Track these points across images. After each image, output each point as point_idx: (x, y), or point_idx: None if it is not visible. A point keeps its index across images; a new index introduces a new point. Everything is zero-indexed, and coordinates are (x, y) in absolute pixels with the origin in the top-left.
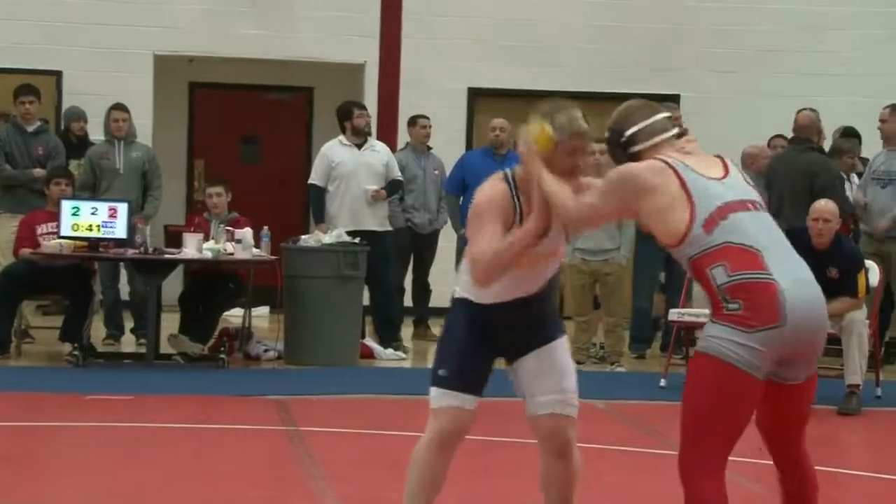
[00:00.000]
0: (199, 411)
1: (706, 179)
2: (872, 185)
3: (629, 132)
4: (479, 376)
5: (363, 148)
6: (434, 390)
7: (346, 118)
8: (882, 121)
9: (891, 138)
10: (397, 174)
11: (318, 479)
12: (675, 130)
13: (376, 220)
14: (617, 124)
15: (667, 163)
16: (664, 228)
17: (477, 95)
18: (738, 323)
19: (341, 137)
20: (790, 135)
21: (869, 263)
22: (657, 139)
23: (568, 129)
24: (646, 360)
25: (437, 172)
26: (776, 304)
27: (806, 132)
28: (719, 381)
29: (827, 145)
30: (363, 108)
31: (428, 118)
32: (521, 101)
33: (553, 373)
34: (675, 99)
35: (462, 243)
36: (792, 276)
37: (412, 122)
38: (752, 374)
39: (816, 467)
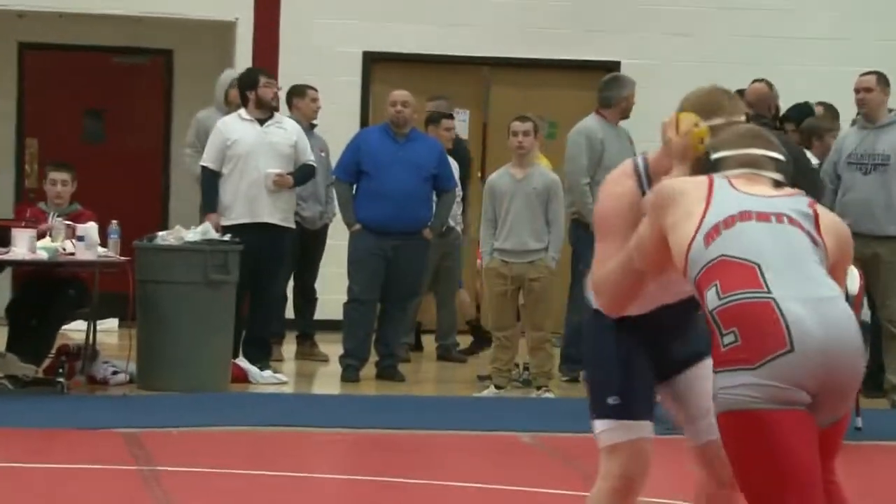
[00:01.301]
0: (31, 448)
1: (738, 192)
2: (850, 170)
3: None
4: (651, 397)
5: (267, 124)
6: (604, 424)
7: (250, 87)
8: (867, 89)
9: (874, 112)
10: (309, 158)
11: None
12: None
13: (278, 213)
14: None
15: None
16: (674, 251)
17: (374, 61)
18: (737, 362)
19: (241, 111)
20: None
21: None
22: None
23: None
24: (580, 384)
25: (323, 154)
26: (777, 327)
27: (754, 108)
28: (755, 437)
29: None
30: (271, 77)
31: (316, 90)
32: (426, 67)
33: (708, 392)
34: (614, 67)
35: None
36: (801, 293)
37: (299, 92)
38: (785, 409)
39: None
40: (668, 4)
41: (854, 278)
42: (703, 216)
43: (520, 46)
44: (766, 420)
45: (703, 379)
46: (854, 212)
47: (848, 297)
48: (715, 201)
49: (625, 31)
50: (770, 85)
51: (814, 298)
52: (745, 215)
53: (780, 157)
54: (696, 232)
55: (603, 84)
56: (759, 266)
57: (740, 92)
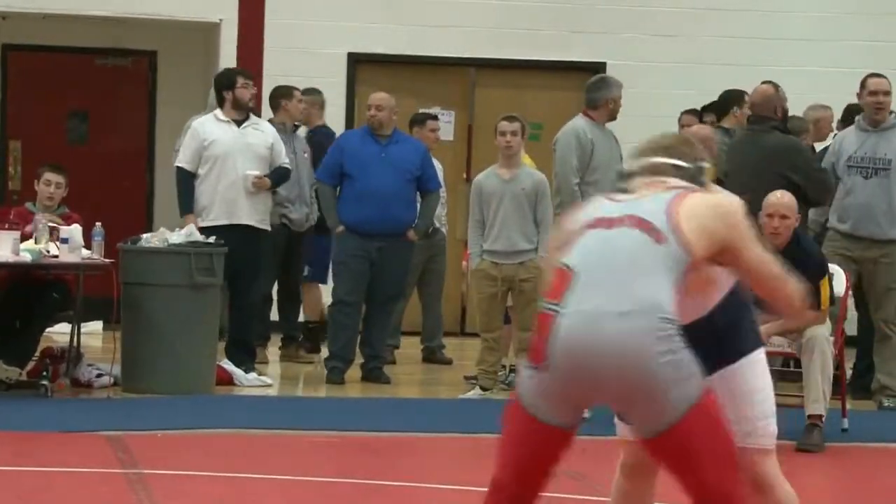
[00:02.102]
0: (15, 451)
1: (604, 202)
2: (850, 173)
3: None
4: None
5: (244, 125)
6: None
7: (228, 88)
8: (886, 92)
9: (886, 115)
10: (285, 160)
11: None
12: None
13: (256, 215)
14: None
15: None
16: None
17: (359, 62)
18: (528, 358)
19: (217, 111)
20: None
21: (833, 268)
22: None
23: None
24: None
25: (306, 155)
26: (545, 342)
27: (762, 110)
28: (510, 413)
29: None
30: (249, 77)
31: (300, 90)
32: (411, 68)
33: (733, 397)
34: (599, 68)
35: None
36: (585, 306)
37: (287, 94)
38: (536, 417)
39: None
40: (654, 5)
41: (840, 280)
42: (569, 230)
43: (505, 47)
44: (516, 411)
45: (731, 381)
46: (855, 215)
47: (833, 299)
48: (580, 216)
49: (610, 32)
50: (776, 87)
51: (589, 312)
52: (592, 224)
53: (684, 164)
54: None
55: (590, 85)
56: (575, 275)
57: (742, 93)
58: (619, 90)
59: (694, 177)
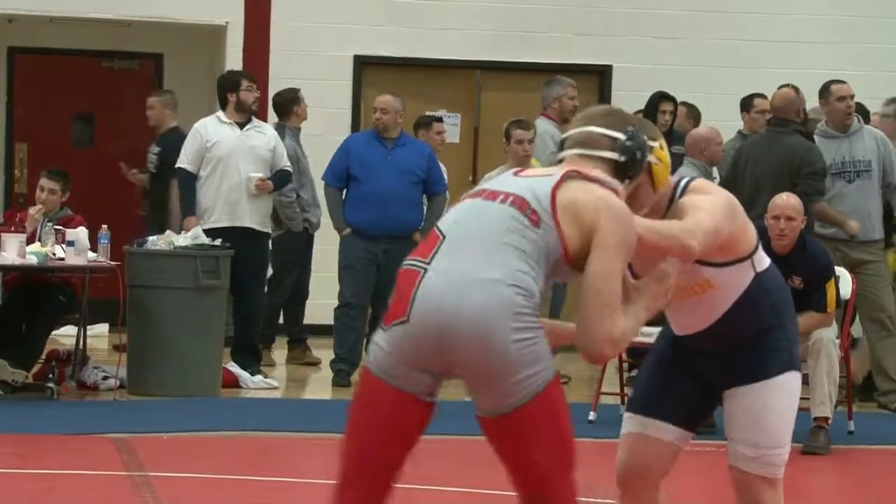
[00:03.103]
0: (20, 454)
1: (503, 177)
2: (833, 180)
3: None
4: (673, 398)
5: (246, 128)
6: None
7: (231, 90)
8: (852, 96)
9: (852, 120)
10: (286, 163)
11: None
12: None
13: (257, 218)
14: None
15: None
16: None
17: (365, 65)
18: (383, 321)
19: (220, 113)
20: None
21: (840, 271)
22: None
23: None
24: (569, 386)
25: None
26: (409, 295)
27: (784, 113)
28: (357, 388)
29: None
30: (252, 80)
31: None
32: (417, 71)
33: (744, 418)
34: (605, 71)
35: None
36: (457, 270)
37: (296, 98)
38: (383, 380)
39: None
40: (658, 8)
41: (847, 282)
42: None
43: (510, 50)
44: (364, 381)
45: (744, 401)
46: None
47: (840, 302)
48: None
49: (615, 34)
50: (797, 90)
51: (466, 278)
52: (475, 193)
53: (622, 135)
54: None
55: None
56: (444, 238)
57: (760, 96)
58: (562, 88)
59: (626, 150)
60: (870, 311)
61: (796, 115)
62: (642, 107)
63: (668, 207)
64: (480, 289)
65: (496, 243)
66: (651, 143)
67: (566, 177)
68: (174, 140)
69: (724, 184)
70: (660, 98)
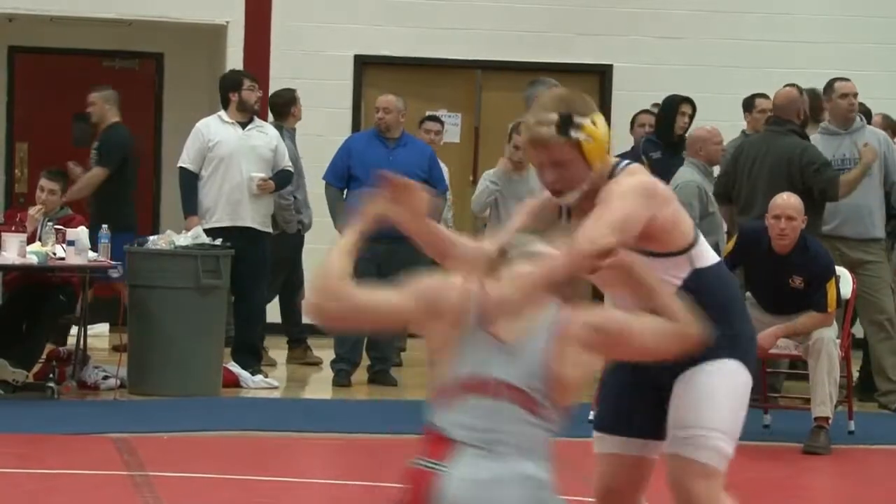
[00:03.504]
0: (20, 453)
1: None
2: None
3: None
4: (637, 411)
5: (248, 128)
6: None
7: (233, 89)
8: (856, 94)
9: (853, 115)
10: (288, 163)
11: None
12: None
13: (259, 217)
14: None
15: None
16: None
17: (365, 64)
18: None
19: (221, 113)
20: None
21: (840, 270)
22: None
23: None
24: None
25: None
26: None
27: (784, 113)
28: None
29: None
30: (254, 80)
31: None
32: (418, 71)
33: (677, 402)
34: (606, 70)
35: None
36: (474, 472)
37: (293, 99)
38: None
39: None
40: (660, 7)
41: (847, 281)
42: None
43: (511, 50)
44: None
45: (684, 386)
46: (842, 217)
47: (841, 301)
48: (457, 362)
49: (617, 34)
50: (801, 90)
51: (492, 479)
52: (468, 385)
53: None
54: None
55: None
56: (459, 445)
57: (762, 96)
58: (534, 89)
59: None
60: (869, 313)
61: (797, 116)
62: (645, 106)
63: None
64: (512, 489)
65: (512, 448)
66: (580, 120)
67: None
68: (114, 136)
69: (722, 183)
70: (681, 101)
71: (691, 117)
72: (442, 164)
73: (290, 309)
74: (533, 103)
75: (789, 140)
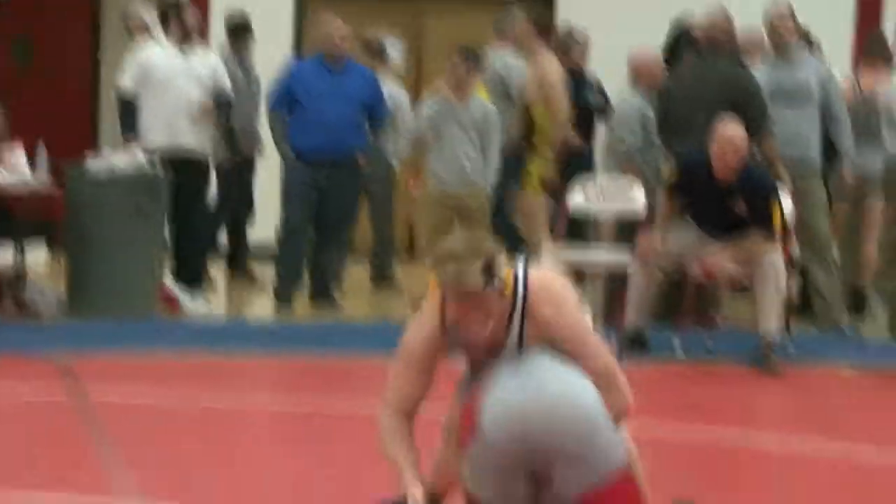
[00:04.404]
0: None
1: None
2: (775, 105)
3: None
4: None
5: (187, 51)
6: None
7: (172, 12)
8: (783, 19)
9: (790, 44)
10: (227, 87)
11: (110, 457)
12: None
13: (198, 141)
14: None
15: None
16: None
17: None
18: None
19: (161, 36)
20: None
21: (781, 194)
22: None
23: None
24: None
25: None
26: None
27: (712, 37)
28: None
29: None
30: (193, 3)
31: None
32: None
33: None
34: None
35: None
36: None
37: (249, 28)
38: None
39: (731, 428)
40: None
41: (787, 204)
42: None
43: None
44: None
45: None
46: (783, 145)
47: (785, 227)
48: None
49: None
50: (726, 12)
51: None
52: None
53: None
54: None
55: None
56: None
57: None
58: (505, 18)
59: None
60: (805, 236)
61: (725, 39)
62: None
63: (514, 306)
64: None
65: None
66: (499, 261)
67: None
68: None
69: (660, 117)
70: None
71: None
72: (385, 90)
73: (237, 233)
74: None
75: (722, 66)
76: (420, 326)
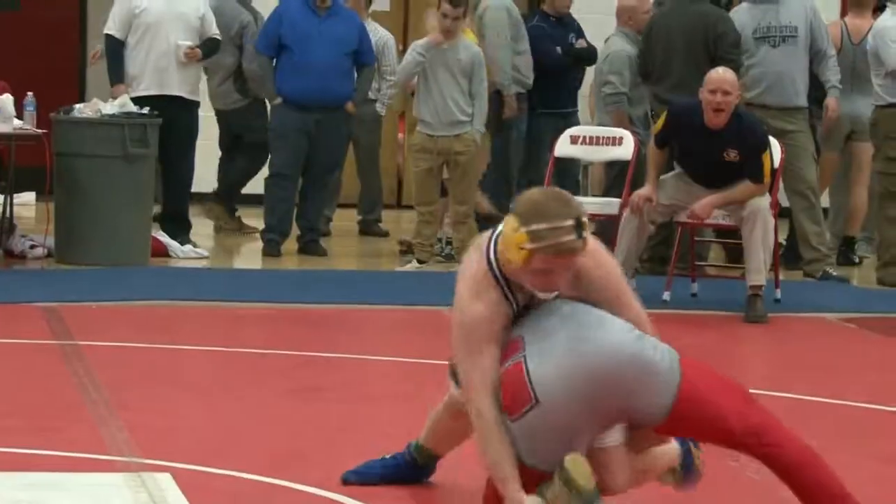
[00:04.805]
0: None
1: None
2: (758, 45)
3: None
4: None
5: None
6: None
7: None
8: None
9: None
10: (215, 31)
11: (100, 403)
12: None
13: (187, 86)
14: None
15: None
16: None
17: None
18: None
19: None
20: None
21: (771, 141)
22: None
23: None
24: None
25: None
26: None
27: None
28: None
29: None
30: None
31: None
32: None
33: None
34: None
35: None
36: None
37: None
38: None
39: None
40: None
41: (776, 151)
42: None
43: None
44: None
45: None
46: (764, 85)
47: (773, 171)
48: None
49: None
50: None
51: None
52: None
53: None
54: None
55: None
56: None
57: None
58: None
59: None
60: (792, 183)
61: None
62: None
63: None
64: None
65: None
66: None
67: None
68: None
69: (641, 62)
70: None
71: None
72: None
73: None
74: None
75: (702, 8)
76: (476, 294)
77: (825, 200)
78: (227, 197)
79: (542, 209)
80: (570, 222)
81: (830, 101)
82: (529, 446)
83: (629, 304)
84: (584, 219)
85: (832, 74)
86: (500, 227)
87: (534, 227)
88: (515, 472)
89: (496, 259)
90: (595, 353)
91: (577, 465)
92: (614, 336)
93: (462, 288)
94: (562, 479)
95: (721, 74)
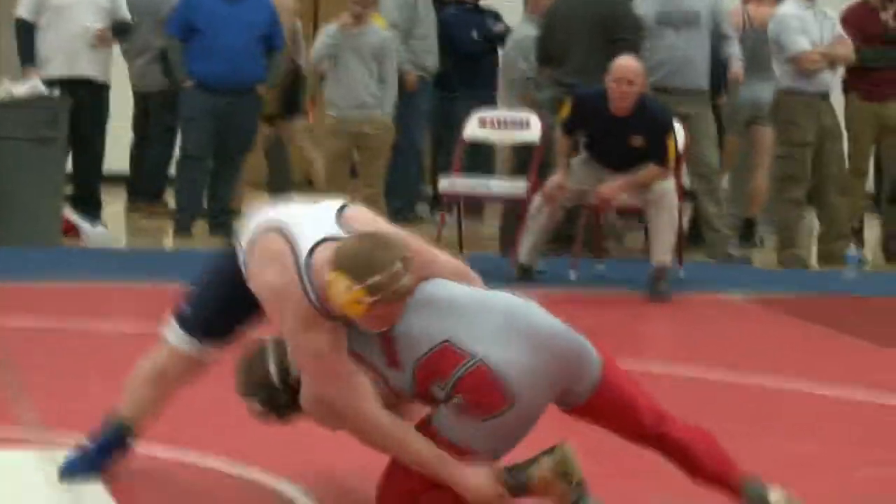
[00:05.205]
0: None
1: None
2: (660, 29)
3: None
4: None
5: None
6: None
7: None
8: None
9: None
10: (125, 14)
11: (12, 387)
12: None
13: (97, 68)
14: None
15: None
16: None
17: None
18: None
19: None
20: None
21: (676, 124)
22: None
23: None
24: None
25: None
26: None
27: None
28: None
29: None
30: None
31: None
32: None
33: None
34: None
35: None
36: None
37: None
38: None
39: (617, 354)
40: None
41: (680, 134)
42: None
43: None
44: None
45: None
46: (666, 69)
47: (678, 155)
48: None
49: None
50: None
51: None
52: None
53: None
54: None
55: None
56: None
57: None
58: None
59: None
60: (694, 165)
61: None
62: None
63: None
64: None
65: None
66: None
67: None
68: None
69: (541, 46)
70: None
71: None
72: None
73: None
74: None
75: None
76: (310, 328)
77: (728, 183)
78: (152, 183)
79: (369, 261)
80: (399, 265)
81: (735, 70)
82: (491, 443)
83: (443, 260)
84: (408, 254)
85: (734, 51)
86: (301, 257)
87: (369, 281)
88: (444, 453)
89: (317, 296)
90: (550, 336)
91: (572, 453)
92: (548, 319)
93: (290, 321)
94: (560, 469)
95: (626, 63)
